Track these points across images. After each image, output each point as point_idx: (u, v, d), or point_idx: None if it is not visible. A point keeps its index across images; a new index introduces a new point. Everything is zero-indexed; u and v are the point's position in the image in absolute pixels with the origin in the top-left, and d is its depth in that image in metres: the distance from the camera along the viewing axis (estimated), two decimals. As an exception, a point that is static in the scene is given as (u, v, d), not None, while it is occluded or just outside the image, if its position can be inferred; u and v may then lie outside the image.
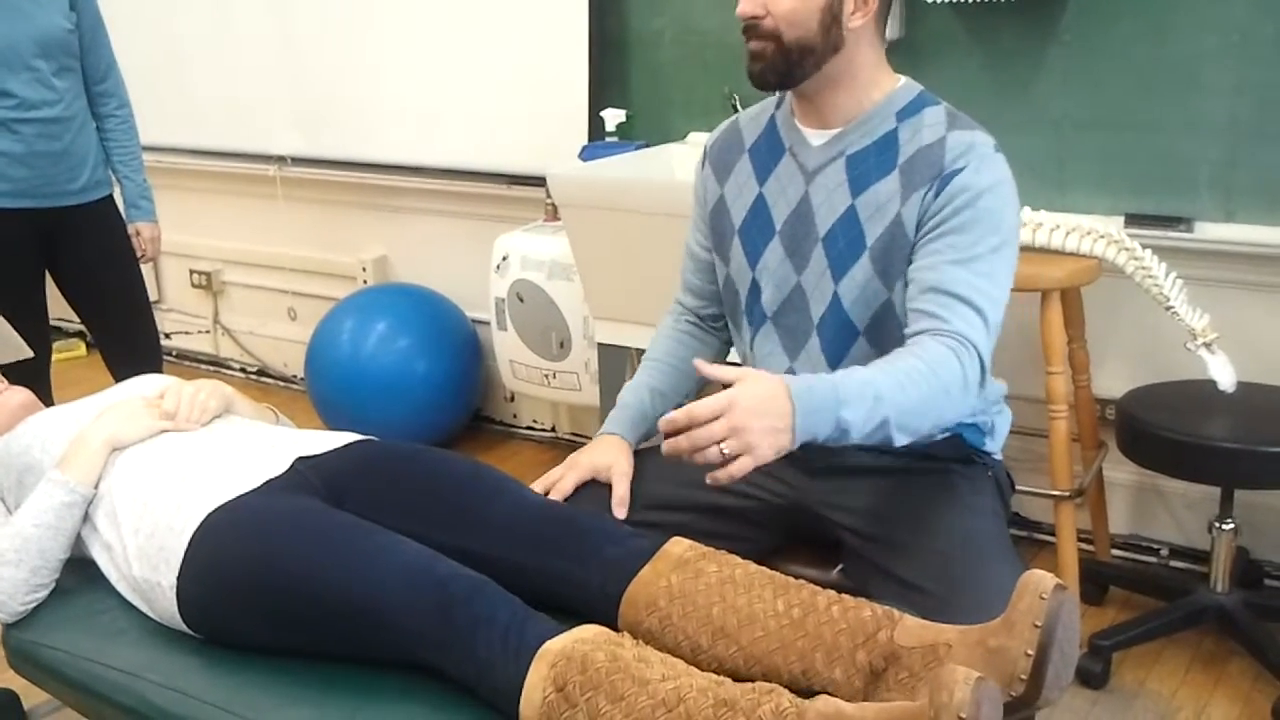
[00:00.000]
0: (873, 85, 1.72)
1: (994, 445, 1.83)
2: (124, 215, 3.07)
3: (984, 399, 1.77)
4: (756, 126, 1.83)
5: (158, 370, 3.00)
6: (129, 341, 3.04)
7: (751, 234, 1.80)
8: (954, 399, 1.56)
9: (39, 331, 2.95)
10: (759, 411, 1.43)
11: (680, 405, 1.87)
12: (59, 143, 2.82)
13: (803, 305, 1.76)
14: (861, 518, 1.75)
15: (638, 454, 1.85)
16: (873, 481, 1.72)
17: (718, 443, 1.41)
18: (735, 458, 1.41)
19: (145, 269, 3.11)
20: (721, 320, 1.93)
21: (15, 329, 2.56)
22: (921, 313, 1.62)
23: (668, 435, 1.46)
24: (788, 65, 1.67)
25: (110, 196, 3.00)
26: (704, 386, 1.97)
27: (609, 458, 1.78)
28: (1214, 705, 2.38)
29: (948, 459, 1.78)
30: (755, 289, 1.81)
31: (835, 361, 1.74)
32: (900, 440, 1.54)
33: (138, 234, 3.08)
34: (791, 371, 1.78)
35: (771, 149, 1.80)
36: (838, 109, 1.72)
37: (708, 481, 1.44)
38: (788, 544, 1.82)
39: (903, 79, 1.76)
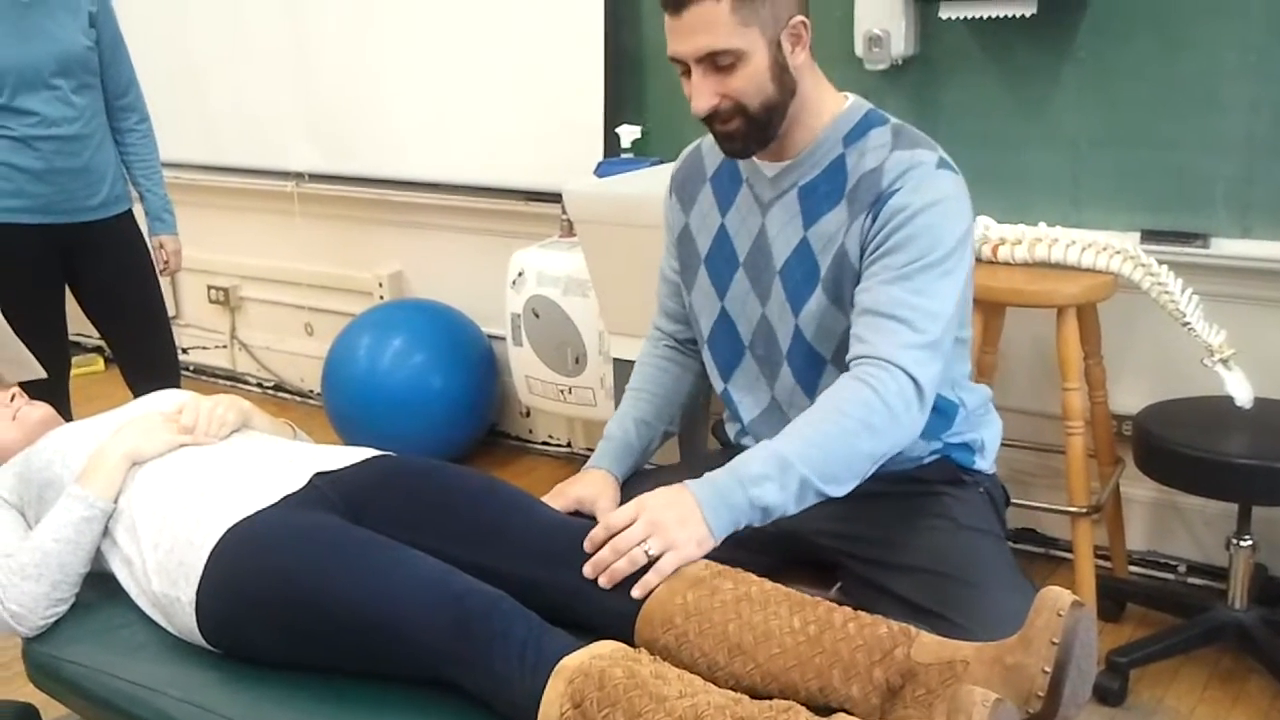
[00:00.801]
0: (819, 111, 1.71)
1: (985, 463, 1.82)
2: (146, 229, 3.09)
3: (965, 412, 1.78)
4: (717, 155, 1.82)
5: (176, 385, 3.01)
6: (148, 357, 3.06)
7: (717, 265, 1.81)
8: (881, 429, 1.55)
9: (58, 347, 2.97)
10: (668, 505, 1.51)
11: (666, 433, 1.91)
12: (78, 159, 2.84)
13: (771, 336, 1.77)
14: (856, 544, 1.75)
15: (629, 481, 1.86)
16: (864, 507, 1.69)
17: (640, 544, 1.49)
18: (659, 557, 1.49)
19: (163, 284, 3.13)
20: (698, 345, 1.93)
21: (34, 344, 2.57)
22: (855, 338, 1.63)
23: (590, 555, 1.53)
24: (762, 130, 1.67)
25: (129, 212, 3.02)
26: (686, 414, 1.98)
27: (594, 491, 1.78)
28: (1232, 723, 2.37)
29: (938, 482, 1.78)
30: (725, 319, 1.82)
31: (810, 389, 1.74)
32: (838, 491, 1.55)
33: (160, 247, 3.11)
34: (774, 400, 1.81)
35: (732, 178, 1.80)
36: (790, 142, 1.71)
37: (635, 594, 1.49)
38: (785, 566, 1.80)
39: (850, 98, 1.74)
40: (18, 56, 2.72)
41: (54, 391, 2.78)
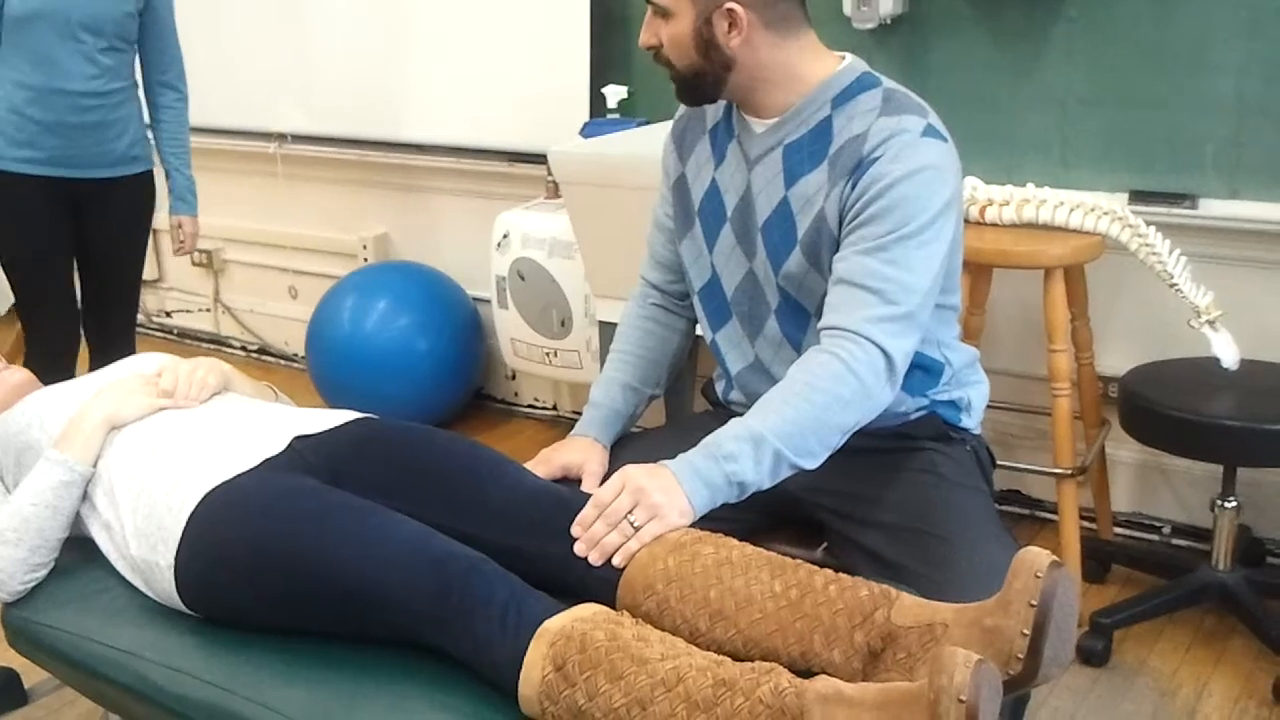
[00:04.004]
0: (797, 79, 1.69)
1: (971, 421, 1.83)
2: (169, 204, 3.13)
3: (951, 371, 1.78)
4: (719, 108, 1.81)
5: (131, 346, 3.02)
6: (111, 315, 3.08)
7: (708, 217, 1.81)
8: (852, 402, 1.57)
9: (69, 311, 2.98)
10: (650, 475, 1.54)
11: (652, 396, 1.92)
12: (92, 115, 2.86)
13: (757, 292, 1.77)
14: (842, 500, 1.75)
15: (616, 446, 1.85)
16: (851, 463, 1.68)
17: (626, 517, 1.50)
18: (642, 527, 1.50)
19: (147, 247, 3.14)
20: (688, 298, 1.92)
21: (46, 307, 2.60)
22: (829, 306, 1.63)
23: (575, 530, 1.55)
24: (690, 88, 1.71)
25: (146, 174, 3.04)
26: (674, 376, 1.97)
27: (580, 456, 1.78)
28: (1215, 682, 2.38)
29: (925, 438, 1.78)
30: (713, 272, 1.82)
31: (796, 344, 1.74)
32: (810, 464, 1.58)
33: (179, 226, 3.16)
34: (757, 358, 1.81)
35: (727, 132, 1.79)
36: (769, 104, 1.71)
37: (616, 563, 1.50)
38: (771, 525, 1.81)
39: (846, 59, 1.72)
40: (50, 1, 2.72)
41: (64, 356, 2.81)
